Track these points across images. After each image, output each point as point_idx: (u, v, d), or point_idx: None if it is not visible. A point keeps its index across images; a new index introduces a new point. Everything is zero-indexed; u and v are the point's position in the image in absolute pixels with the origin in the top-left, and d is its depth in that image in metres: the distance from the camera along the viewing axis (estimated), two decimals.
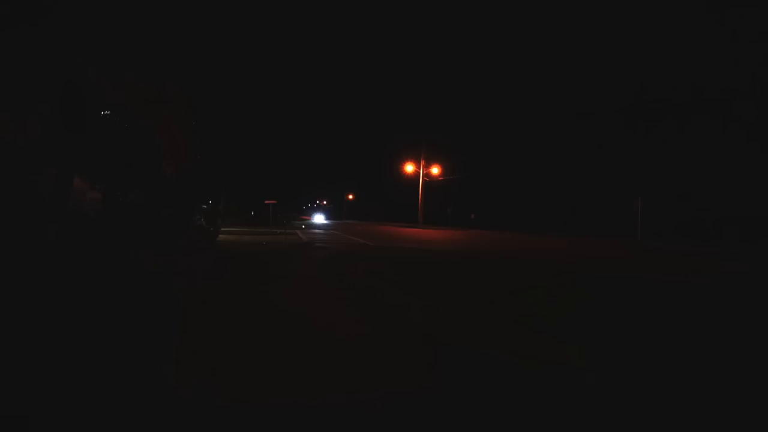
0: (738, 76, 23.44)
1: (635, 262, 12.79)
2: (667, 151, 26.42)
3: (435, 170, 41.30)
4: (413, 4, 61.32)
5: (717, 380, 3.65)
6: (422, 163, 41.27)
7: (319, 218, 52.19)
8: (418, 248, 16.76)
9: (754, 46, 23.38)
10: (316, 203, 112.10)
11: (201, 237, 11.94)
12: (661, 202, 23.83)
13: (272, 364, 3.70)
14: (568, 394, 3.28)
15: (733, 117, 23.16)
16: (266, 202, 26.66)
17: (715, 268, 11.60)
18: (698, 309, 6.51)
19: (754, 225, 20.86)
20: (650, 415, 2.99)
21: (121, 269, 7.76)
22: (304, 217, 63.75)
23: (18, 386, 3.17)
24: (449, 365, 3.80)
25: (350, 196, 77.28)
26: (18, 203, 7.73)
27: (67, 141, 7.95)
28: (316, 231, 29.10)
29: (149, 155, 10.50)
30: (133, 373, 3.45)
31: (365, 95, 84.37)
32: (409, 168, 41.96)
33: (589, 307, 6.38)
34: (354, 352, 4.11)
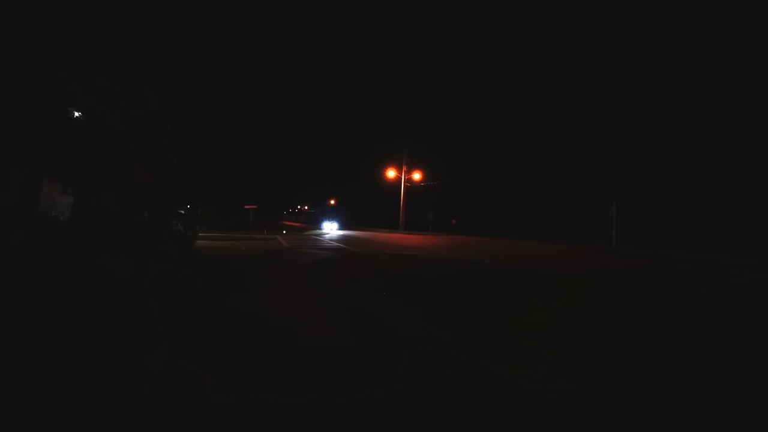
0: (717, 84, 24.34)
1: (597, 265, 13.08)
2: (643, 158, 27.19)
3: (416, 176, 41.52)
4: (399, 12, 61.85)
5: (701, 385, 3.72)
6: (404, 168, 41.44)
7: (330, 227, 39.68)
8: (400, 254, 16.74)
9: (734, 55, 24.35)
10: (297, 208, 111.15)
11: (178, 242, 11.65)
12: (637, 208, 24.48)
13: (251, 373, 3.62)
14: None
15: (707, 125, 23.99)
16: (246, 207, 26.24)
17: (682, 273, 11.96)
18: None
19: (723, 229, 21.63)
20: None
21: (91, 277, 7.48)
22: (287, 223, 62.97)
23: None
24: (418, 368, 3.78)
25: (332, 202, 76.95)
26: None
27: (34, 143, 7.65)
28: (295, 236, 28.80)
29: (123, 159, 10.20)
30: (99, 386, 3.30)
31: (347, 101, 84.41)
32: (391, 174, 42.09)
33: (551, 306, 6.47)
34: (330, 359, 4.05)
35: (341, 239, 26.52)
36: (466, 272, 11.22)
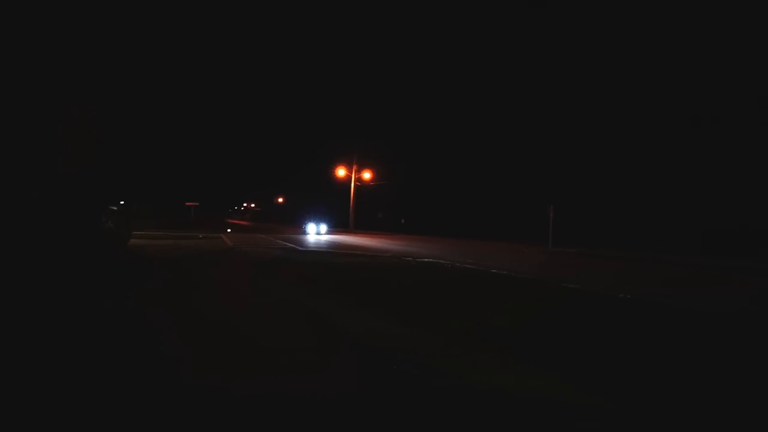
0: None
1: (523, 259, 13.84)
2: (582, 161, 28.97)
3: (367, 175, 41.55)
4: (351, 10, 61.58)
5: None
6: (354, 167, 41.31)
7: (314, 229, 34.30)
8: (348, 253, 16.67)
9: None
10: (243, 206, 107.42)
11: (108, 242, 10.79)
12: (575, 209, 26.07)
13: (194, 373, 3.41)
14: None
15: (642, 126, 25.91)
16: (187, 204, 24.88)
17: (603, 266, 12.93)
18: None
19: (650, 227, 23.59)
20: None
21: None
22: (233, 221, 60.60)
23: None
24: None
25: (280, 200, 75.12)
26: None
27: None
28: (240, 235, 27.81)
29: (46, 151, 9.28)
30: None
31: (297, 98, 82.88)
32: (341, 172, 41.79)
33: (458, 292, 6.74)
34: (270, 355, 3.94)
35: (287, 238, 25.97)
36: (418, 273, 11.37)
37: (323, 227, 34.45)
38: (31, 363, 3.78)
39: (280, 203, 74.91)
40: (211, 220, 45.51)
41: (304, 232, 33.36)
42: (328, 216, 36.64)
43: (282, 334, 4.97)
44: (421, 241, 26.08)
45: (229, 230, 33.34)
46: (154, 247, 15.58)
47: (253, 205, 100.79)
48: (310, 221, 34.78)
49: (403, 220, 41.84)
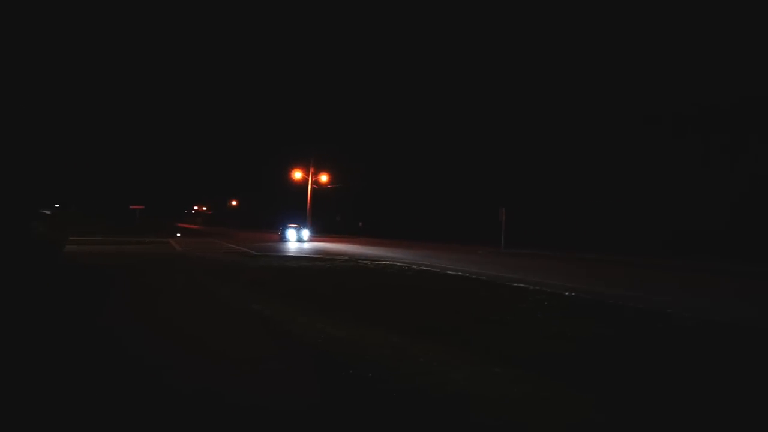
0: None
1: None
2: (536, 167, 30.18)
3: (324, 178, 41.11)
4: (311, 15, 60.89)
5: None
6: (311, 170, 40.75)
7: (295, 235, 28.67)
8: (303, 257, 16.39)
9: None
10: (194, 209, 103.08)
11: (38, 249, 9.94)
12: (528, 212, 27.11)
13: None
14: None
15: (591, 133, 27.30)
16: (131, 207, 23.40)
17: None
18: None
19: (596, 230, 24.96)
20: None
21: None
22: (183, 225, 57.82)
23: None
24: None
25: (233, 203, 72.73)
26: None
27: None
28: (192, 240, 26.61)
29: None
30: None
31: (252, 101, 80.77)
32: (297, 175, 41.06)
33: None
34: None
35: (240, 241, 25.16)
36: (376, 275, 11.34)
37: (306, 233, 28.81)
38: None
39: (234, 206, 72.58)
40: (159, 223, 43.25)
41: (283, 239, 27.96)
42: (283, 221, 33.70)
43: (237, 341, 4.78)
44: (378, 244, 26.15)
45: (179, 234, 31.81)
46: (91, 254, 14.55)
47: (204, 209, 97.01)
48: (289, 226, 29.15)
49: (360, 224, 41.78)
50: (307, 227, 29.01)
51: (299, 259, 15.14)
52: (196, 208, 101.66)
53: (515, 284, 9.35)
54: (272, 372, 3.88)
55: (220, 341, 4.82)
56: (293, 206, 44.20)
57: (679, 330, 5.65)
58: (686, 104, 22.97)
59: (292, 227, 28.52)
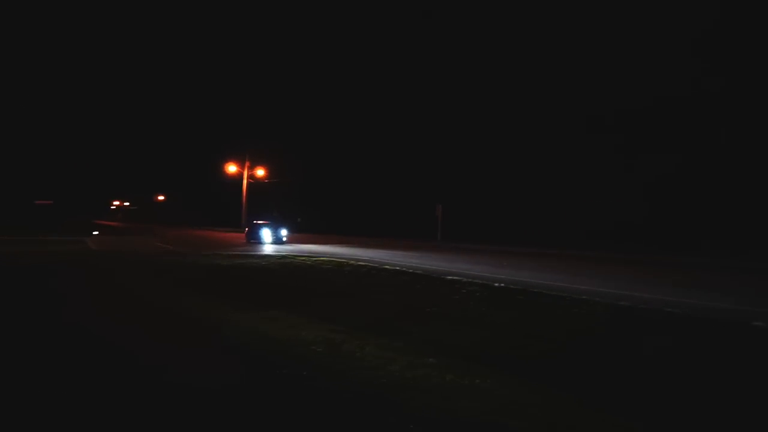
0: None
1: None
2: (474, 165, 31.35)
3: (261, 172, 39.52)
4: (245, 8, 58.06)
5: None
6: (247, 164, 39.03)
7: (270, 236, 22.35)
8: (237, 255, 15.65)
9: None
10: (115, 205, 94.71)
11: None
12: (464, 208, 28.12)
13: None
14: None
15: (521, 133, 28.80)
16: (37, 203, 20.70)
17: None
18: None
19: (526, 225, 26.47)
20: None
21: None
22: (102, 222, 52.58)
23: None
24: None
25: (160, 197, 67.81)
26: None
27: None
28: (114, 238, 24.40)
29: None
30: None
31: (181, 93, 75.66)
32: (232, 168, 39.10)
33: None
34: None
35: (169, 240, 23.51)
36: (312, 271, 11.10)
37: (284, 232, 22.78)
38: None
39: (161, 201, 67.68)
40: (71, 221, 39.01)
41: (257, 240, 21.93)
42: (217, 217, 31.04)
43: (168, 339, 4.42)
44: (317, 239, 25.78)
45: (95, 232, 28.97)
46: None
47: (127, 204, 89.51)
48: (261, 224, 23.23)
49: (299, 219, 40.89)
50: (283, 225, 23.33)
51: (230, 258, 14.43)
52: (117, 203, 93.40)
53: (449, 277, 9.63)
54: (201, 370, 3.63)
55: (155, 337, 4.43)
56: (228, 201, 42.23)
57: (591, 314, 6.16)
58: (603, 106, 25.16)
59: (266, 225, 22.64)
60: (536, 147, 28.16)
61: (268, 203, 41.04)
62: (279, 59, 57.65)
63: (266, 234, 21.87)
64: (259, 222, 23.53)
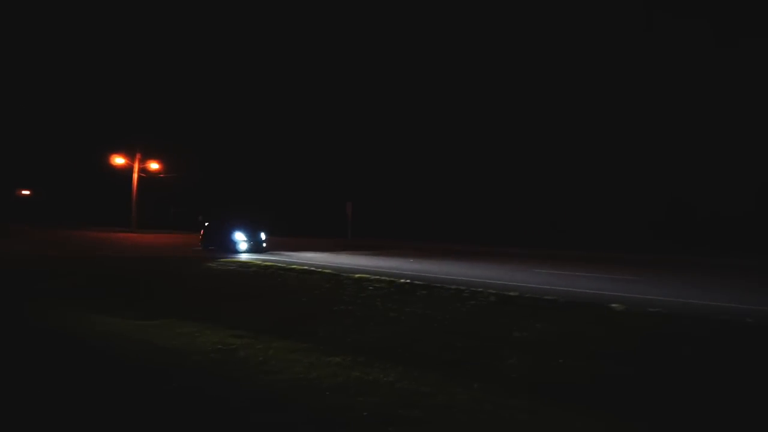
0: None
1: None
2: (380, 164, 31.98)
3: (155, 165, 35.86)
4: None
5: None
6: (138, 156, 35.15)
7: (246, 242, 16.04)
8: (136, 257, 14.08)
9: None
10: None
11: None
12: (375, 206, 28.61)
13: None
14: None
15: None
16: None
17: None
18: None
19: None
20: None
21: None
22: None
23: None
24: None
25: (25, 192, 57.86)
26: None
27: None
28: None
29: None
30: None
31: (66, 80, 65.28)
32: (119, 160, 34.88)
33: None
34: None
35: (46, 243, 20.27)
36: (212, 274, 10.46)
37: (263, 236, 17.10)
38: None
39: (26, 196, 57.82)
40: None
41: (221, 247, 16.20)
42: (103, 215, 27.22)
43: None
44: None
45: None
46: None
47: None
48: (234, 226, 16.65)
49: (200, 217, 38.08)
50: (263, 231, 17.36)
51: (134, 261, 12.94)
52: None
53: (357, 275, 9.79)
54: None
55: None
56: (116, 197, 37.85)
57: (482, 303, 6.76)
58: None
59: (239, 229, 16.43)
60: (445, 147, 29.91)
61: (167, 199, 37.64)
62: (176, 54, 52.74)
63: (239, 238, 16.04)
64: (225, 220, 17.37)
